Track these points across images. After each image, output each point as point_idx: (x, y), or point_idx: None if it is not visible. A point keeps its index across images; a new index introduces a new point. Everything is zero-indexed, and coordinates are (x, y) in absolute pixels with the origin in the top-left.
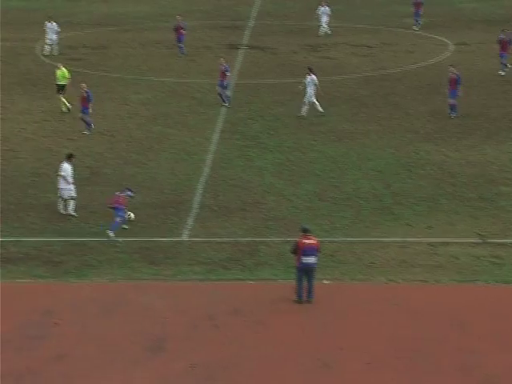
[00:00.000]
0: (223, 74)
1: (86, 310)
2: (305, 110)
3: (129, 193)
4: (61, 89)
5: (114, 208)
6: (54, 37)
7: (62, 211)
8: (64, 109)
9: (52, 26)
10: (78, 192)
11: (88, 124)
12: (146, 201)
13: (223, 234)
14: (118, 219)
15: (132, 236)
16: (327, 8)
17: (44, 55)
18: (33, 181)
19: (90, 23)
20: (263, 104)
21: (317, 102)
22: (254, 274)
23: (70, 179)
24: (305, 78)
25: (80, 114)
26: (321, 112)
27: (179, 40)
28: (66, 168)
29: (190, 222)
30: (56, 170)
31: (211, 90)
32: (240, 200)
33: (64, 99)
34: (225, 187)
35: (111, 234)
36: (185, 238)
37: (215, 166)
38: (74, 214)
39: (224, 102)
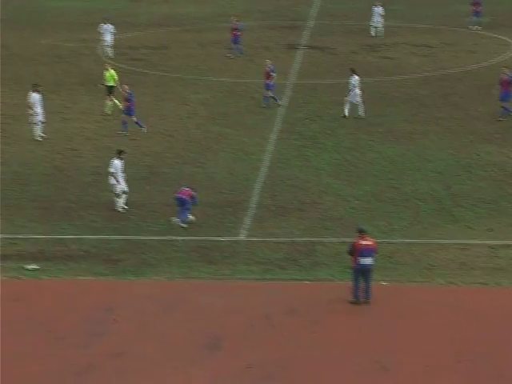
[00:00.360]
0: (268, 75)
1: (145, 308)
2: (361, 110)
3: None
4: (110, 90)
5: (180, 200)
6: (109, 38)
7: (120, 209)
8: (108, 111)
9: (108, 28)
10: (137, 191)
11: (139, 124)
12: (203, 200)
13: (280, 234)
14: (185, 210)
15: (190, 235)
16: (380, 8)
17: (107, 57)
18: (93, 179)
19: (151, 24)
20: (321, 104)
21: (349, 105)
22: (311, 274)
23: (120, 176)
24: (350, 78)
25: (122, 115)
26: (344, 114)
27: (235, 41)
28: (116, 164)
29: (248, 221)
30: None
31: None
32: (297, 200)
33: (114, 101)
34: (282, 187)
35: (178, 221)
36: (242, 237)
37: (273, 165)
38: (125, 207)
39: (276, 100)
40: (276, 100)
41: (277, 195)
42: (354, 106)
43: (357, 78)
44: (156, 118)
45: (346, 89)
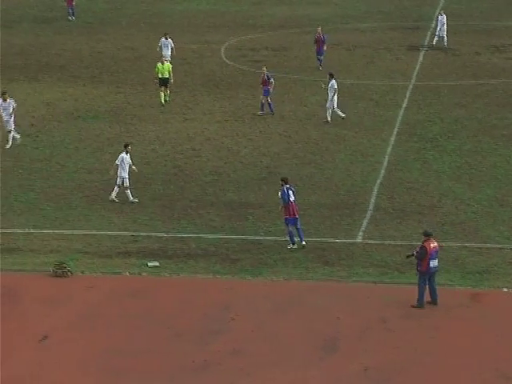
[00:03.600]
0: (265, 82)
1: (262, 307)
2: (328, 114)
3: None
4: (164, 82)
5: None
6: (169, 53)
7: (113, 199)
8: (163, 100)
9: (167, 43)
10: (254, 191)
11: (270, 108)
12: (321, 201)
13: (398, 237)
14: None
15: (307, 236)
16: (444, 17)
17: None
18: (213, 179)
19: (272, 25)
20: (443, 106)
21: (333, 109)
22: None
23: (123, 168)
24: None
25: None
26: (327, 120)
27: (318, 52)
28: (121, 157)
29: (365, 223)
30: (235, 169)
31: (389, 92)
32: (416, 203)
33: (166, 92)
34: (401, 190)
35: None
36: (359, 239)
37: (391, 168)
38: (115, 199)
39: (271, 110)
40: (271, 109)
41: (395, 198)
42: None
43: (333, 82)
44: (275, 119)
45: (464, 91)
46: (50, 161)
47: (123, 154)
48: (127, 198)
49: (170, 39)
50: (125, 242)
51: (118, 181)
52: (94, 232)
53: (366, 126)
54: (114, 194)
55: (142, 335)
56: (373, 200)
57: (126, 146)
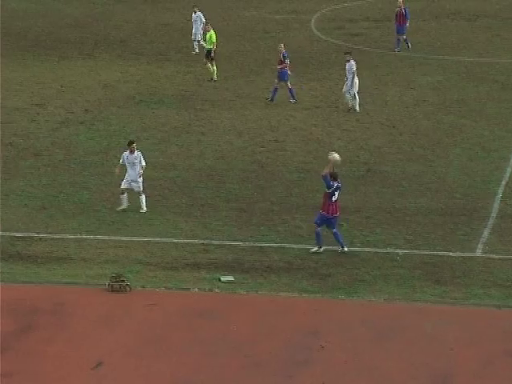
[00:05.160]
0: (281, 61)
1: (357, 334)
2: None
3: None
4: (208, 54)
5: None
6: (199, 30)
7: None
8: (215, 77)
9: (196, 18)
10: (350, 192)
11: (292, 94)
12: (431, 206)
13: None
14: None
15: (413, 248)
16: None
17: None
18: (299, 177)
19: None
20: None
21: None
22: None
23: (129, 169)
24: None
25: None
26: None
27: (398, 30)
28: (123, 156)
29: (486, 233)
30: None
31: None
32: None
33: (212, 67)
34: None
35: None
36: (479, 253)
37: None
38: (122, 208)
39: (293, 97)
40: (292, 95)
41: None
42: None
43: (352, 62)
44: (376, 105)
45: None
46: (107, 154)
47: (126, 153)
48: (141, 206)
49: (199, 13)
50: (193, 251)
51: (123, 185)
52: (158, 239)
53: (488, 115)
54: (124, 203)
55: (214, 364)
56: (496, 205)
57: (129, 144)
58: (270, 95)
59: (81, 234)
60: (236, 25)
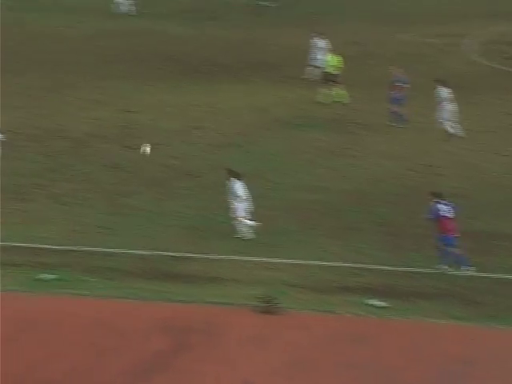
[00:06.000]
0: (394, 86)
1: None
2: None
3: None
4: (331, 78)
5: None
6: (320, 58)
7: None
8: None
9: (317, 44)
10: (509, 220)
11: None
12: None
13: None
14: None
15: None
16: None
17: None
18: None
19: None
20: None
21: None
22: None
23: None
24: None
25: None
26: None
27: None
28: (237, 186)
29: None
30: (484, 191)
31: None
32: None
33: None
34: None
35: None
36: None
37: None
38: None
39: (399, 121)
40: (402, 118)
41: None
42: None
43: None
44: None
45: None
46: (260, 176)
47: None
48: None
49: (322, 39)
50: (343, 274)
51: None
52: (307, 262)
53: None
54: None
55: None
56: None
57: (235, 175)
58: (397, 120)
59: (233, 255)
60: (387, 48)
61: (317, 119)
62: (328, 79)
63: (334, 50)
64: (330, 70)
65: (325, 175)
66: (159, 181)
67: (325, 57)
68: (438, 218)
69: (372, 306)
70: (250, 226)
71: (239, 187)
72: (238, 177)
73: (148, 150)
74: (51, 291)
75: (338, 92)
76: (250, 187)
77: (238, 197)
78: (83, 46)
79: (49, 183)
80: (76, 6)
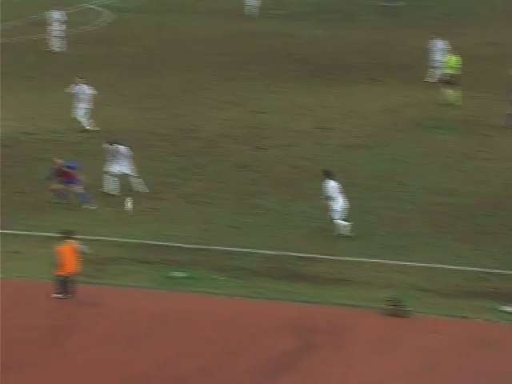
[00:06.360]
0: None
1: None
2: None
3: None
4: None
5: None
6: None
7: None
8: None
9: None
10: None
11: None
12: None
13: None
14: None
15: None
16: None
17: None
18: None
19: None
20: None
21: None
22: None
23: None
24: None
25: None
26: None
27: None
28: (331, 186)
29: None
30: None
31: None
32: None
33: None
34: None
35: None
36: None
37: None
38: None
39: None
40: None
41: None
42: None
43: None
44: None
45: None
46: (391, 178)
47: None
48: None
49: (436, 40)
50: (474, 279)
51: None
52: (438, 265)
53: None
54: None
55: None
56: None
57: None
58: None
59: (360, 256)
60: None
61: (447, 120)
62: (447, 80)
63: (466, 52)
64: (449, 71)
65: (457, 178)
66: (288, 181)
67: (444, 58)
68: None
69: (503, 311)
70: (344, 226)
71: (332, 187)
72: (332, 177)
73: (130, 205)
74: (182, 289)
75: (453, 93)
76: (379, 188)
77: (330, 197)
78: (216, 47)
79: (180, 182)
80: (214, 8)
